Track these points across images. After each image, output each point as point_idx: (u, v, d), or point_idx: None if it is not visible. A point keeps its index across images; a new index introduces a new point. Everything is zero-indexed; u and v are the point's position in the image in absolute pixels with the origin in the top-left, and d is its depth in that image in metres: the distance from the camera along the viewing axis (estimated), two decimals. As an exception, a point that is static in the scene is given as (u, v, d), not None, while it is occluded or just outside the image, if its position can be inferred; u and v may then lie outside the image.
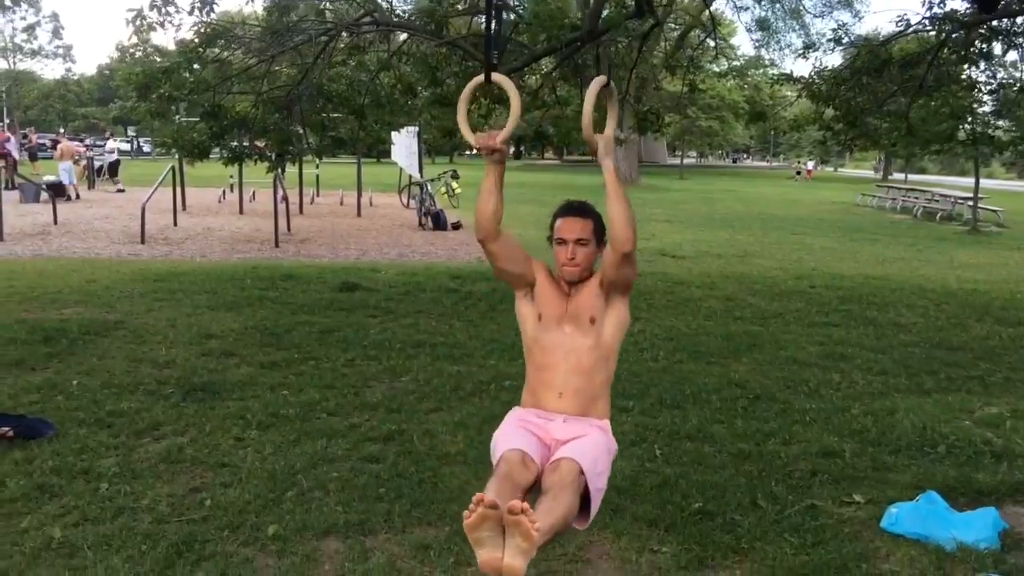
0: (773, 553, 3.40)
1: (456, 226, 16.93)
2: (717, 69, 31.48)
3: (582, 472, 2.55)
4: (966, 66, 10.86)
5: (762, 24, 21.29)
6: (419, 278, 10.09)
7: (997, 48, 10.66)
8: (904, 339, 7.71)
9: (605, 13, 7.53)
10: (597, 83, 2.79)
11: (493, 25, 2.88)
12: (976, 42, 10.34)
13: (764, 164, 75.67)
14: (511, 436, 2.76)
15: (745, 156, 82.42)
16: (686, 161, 59.30)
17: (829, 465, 4.35)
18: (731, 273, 11.62)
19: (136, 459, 4.39)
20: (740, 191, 32.99)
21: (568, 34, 7.42)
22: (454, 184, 21.24)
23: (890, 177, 51.04)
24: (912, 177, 48.32)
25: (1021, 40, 10.57)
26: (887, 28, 13.33)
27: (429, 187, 18.37)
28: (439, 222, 16.85)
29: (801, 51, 11.31)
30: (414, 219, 17.91)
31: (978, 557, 3.24)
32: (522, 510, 2.23)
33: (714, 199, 27.79)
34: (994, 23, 10.00)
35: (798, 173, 52.74)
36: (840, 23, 31.50)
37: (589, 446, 2.70)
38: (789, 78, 10.74)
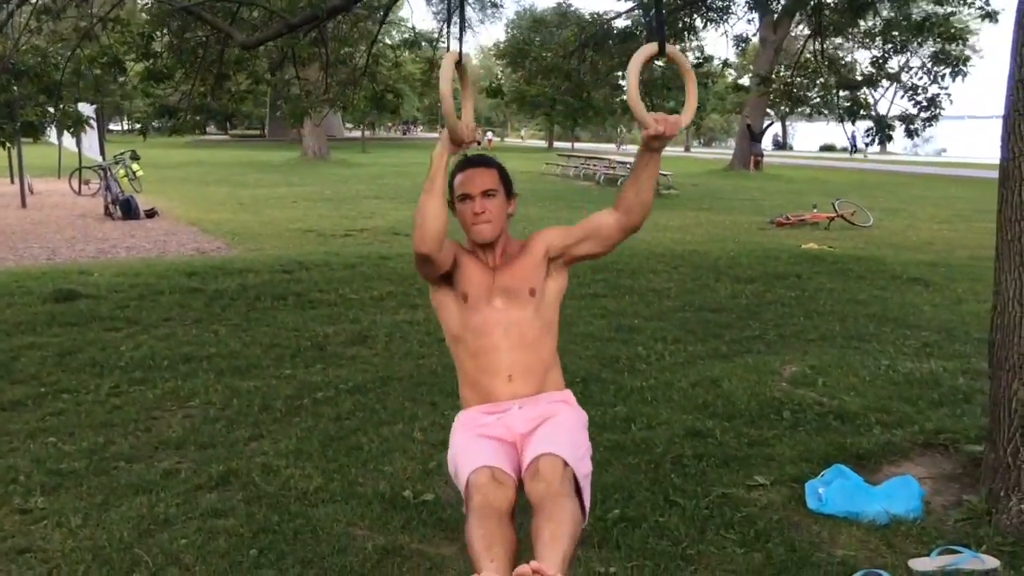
0: (721, 556, 3.23)
1: (151, 213, 15.19)
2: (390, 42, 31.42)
3: (566, 464, 2.20)
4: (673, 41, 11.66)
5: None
6: (146, 279, 8.79)
7: (699, 23, 11.57)
8: (670, 305, 8.05)
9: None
10: (645, 51, 2.31)
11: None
12: (684, 18, 11.11)
13: (435, 135, 77.10)
14: (469, 452, 2.30)
15: (415, 128, 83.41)
16: (353, 134, 57.80)
17: (706, 446, 4.31)
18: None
19: None
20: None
21: (328, 3, 6.74)
22: (135, 166, 19.10)
23: (554, 146, 54.41)
24: (566, 144, 51.90)
25: (715, 16, 11.55)
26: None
27: (111, 172, 16.28)
28: (130, 210, 15.00)
29: (532, 24, 11.35)
30: (96, 208, 15.85)
31: (920, 529, 3.32)
32: (533, 571, 1.85)
33: (412, 172, 27.73)
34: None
35: (479, 143, 54.50)
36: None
37: (562, 429, 2.34)
38: (520, 52, 10.82)
